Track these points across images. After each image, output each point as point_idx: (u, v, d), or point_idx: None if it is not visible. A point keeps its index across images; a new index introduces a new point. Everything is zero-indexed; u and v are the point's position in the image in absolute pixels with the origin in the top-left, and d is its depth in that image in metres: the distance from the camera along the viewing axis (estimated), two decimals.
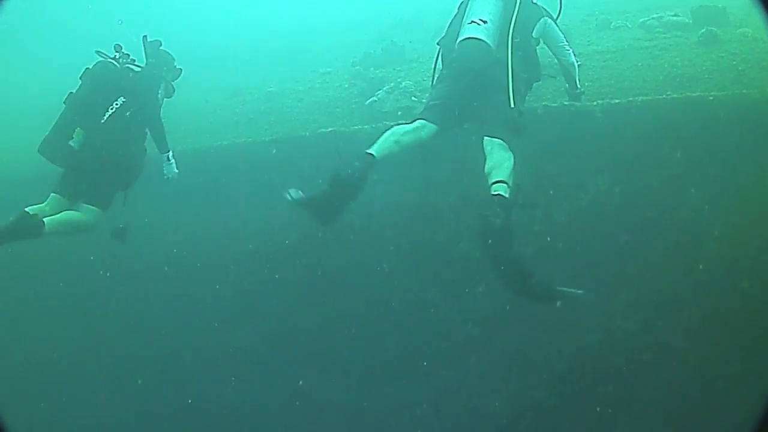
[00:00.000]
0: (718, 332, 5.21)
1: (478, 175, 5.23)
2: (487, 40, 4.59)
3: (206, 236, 6.55)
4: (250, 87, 9.26)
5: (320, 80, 9.08)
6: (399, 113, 6.67)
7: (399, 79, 7.38)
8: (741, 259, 5.20)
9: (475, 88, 4.75)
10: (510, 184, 4.29)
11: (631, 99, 5.57)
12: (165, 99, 6.00)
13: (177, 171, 5.86)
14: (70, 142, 5.21)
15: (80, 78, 5.54)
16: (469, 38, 4.61)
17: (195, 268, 6.58)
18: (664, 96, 5.56)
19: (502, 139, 4.50)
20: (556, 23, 5.27)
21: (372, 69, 8.43)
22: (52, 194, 5.32)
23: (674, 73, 6.29)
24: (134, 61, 5.84)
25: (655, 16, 8.10)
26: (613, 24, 8.57)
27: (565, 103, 5.70)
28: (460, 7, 5.20)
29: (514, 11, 4.76)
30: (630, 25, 8.41)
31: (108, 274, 6.55)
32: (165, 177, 5.82)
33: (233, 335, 6.57)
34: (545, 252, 5.53)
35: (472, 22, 4.64)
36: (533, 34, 5.04)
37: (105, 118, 5.33)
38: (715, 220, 5.17)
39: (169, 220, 6.52)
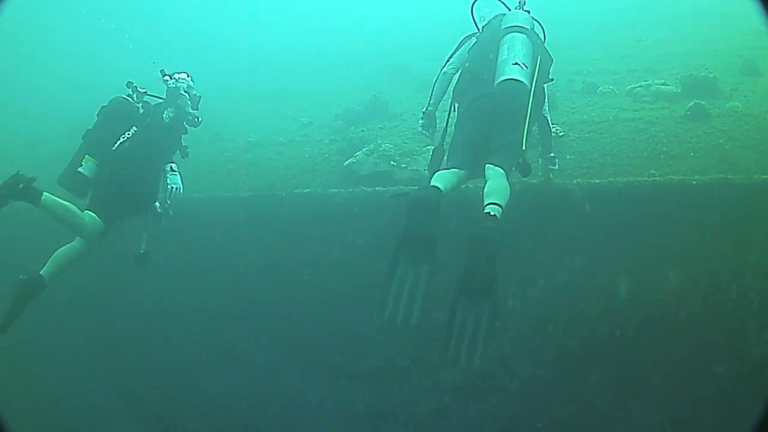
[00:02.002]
0: (690, 413, 5.18)
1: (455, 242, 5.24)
2: (527, 84, 4.68)
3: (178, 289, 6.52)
4: (231, 133, 9.12)
5: (302, 132, 8.95)
6: (377, 178, 6.50)
7: (379, 141, 7.21)
8: (716, 343, 5.13)
9: (495, 126, 4.82)
10: (503, 209, 4.30)
11: (612, 179, 5.42)
12: (189, 127, 6.24)
13: (181, 184, 5.93)
14: (79, 169, 5.47)
15: (96, 115, 5.84)
16: (514, 80, 4.64)
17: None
18: (646, 178, 5.42)
19: (503, 168, 4.60)
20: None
21: (353, 127, 8.27)
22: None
23: (659, 150, 6.14)
24: (146, 92, 6.08)
25: (643, 83, 7.94)
26: (600, 89, 8.38)
27: (541, 176, 5.54)
28: (478, 45, 5.28)
29: (538, 59, 4.87)
30: (617, 91, 8.24)
31: None
32: (168, 187, 5.85)
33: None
34: (516, 326, 5.55)
35: (516, 63, 4.68)
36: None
37: (116, 145, 5.57)
38: (691, 304, 5.11)
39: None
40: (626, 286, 5.31)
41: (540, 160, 5.57)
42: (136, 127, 5.72)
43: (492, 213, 4.21)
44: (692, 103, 6.77)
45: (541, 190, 5.45)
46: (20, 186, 4.88)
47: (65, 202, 5.18)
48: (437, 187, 4.42)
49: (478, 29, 5.55)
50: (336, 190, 6.17)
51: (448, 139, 5.25)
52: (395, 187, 5.94)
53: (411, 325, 4.27)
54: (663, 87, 7.64)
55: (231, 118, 10.36)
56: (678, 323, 5.19)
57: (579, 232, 5.35)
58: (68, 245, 5.36)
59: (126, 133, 5.65)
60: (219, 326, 6.57)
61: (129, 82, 6.05)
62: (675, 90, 7.60)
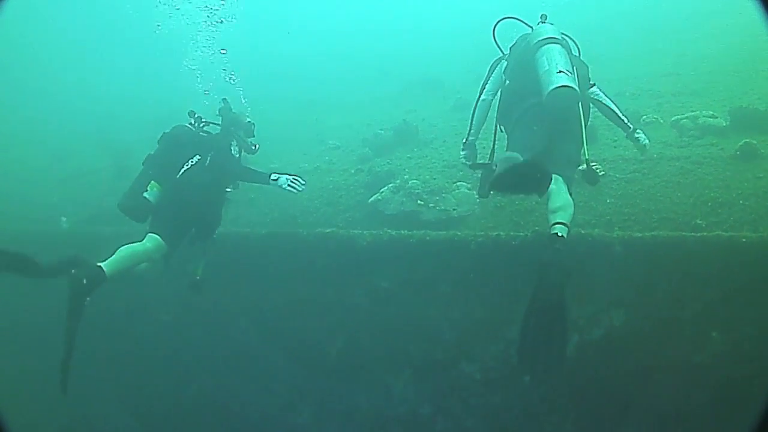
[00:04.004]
0: None
1: (482, 293, 5.27)
2: (577, 89, 4.70)
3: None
4: (255, 158, 8.81)
5: (327, 157, 8.67)
6: (403, 219, 6.21)
7: (406, 176, 6.87)
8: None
9: (553, 136, 4.87)
10: (569, 227, 4.40)
11: (654, 234, 5.02)
12: (246, 154, 6.31)
13: (287, 177, 5.89)
14: (145, 194, 5.53)
15: (158, 141, 5.93)
16: (565, 86, 4.63)
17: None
18: (693, 233, 5.00)
19: (564, 178, 4.66)
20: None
21: (380, 157, 7.94)
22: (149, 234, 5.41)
23: (706, 196, 5.71)
24: (208, 123, 6.19)
25: (690, 114, 7.44)
26: (643, 118, 7.92)
27: (583, 232, 5.17)
28: (514, 65, 5.31)
29: (575, 68, 4.90)
30: (662, 121, 7.78)
31: None
32: (288, 188, 5.86)
33: None
34: (547, 386, 5.39)
35: (561, 72, 4.68)
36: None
37: (181, 172, 5.65)
38: (734, 367, 4.79)
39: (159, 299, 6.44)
40: (667, 345, 5.02)
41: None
42: (200, 155, 5.77)
43: (560, 234, 4.27)
44: (742, 142, 6.28)
45: (579, 241, 5.08)
46: (84, 282, 4.63)
47: (121, 255, 5.02)
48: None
49: (503, 52, 5.61)
50: (359, 231, 5.90)
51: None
52: (422, 232, 5.60)
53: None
54: (711, 120, 7.14)
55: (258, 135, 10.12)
56: (719, 388, 4.90)
57: (618, 288, 5.07)
58: (136, 244, 5.24)
59: (190, 161, 5.73)
60: (240, 365, 6.48)
61: (191, 111, 6.16)
62: (723, 123, 7.11)
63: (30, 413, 6.39)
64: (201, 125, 6.15)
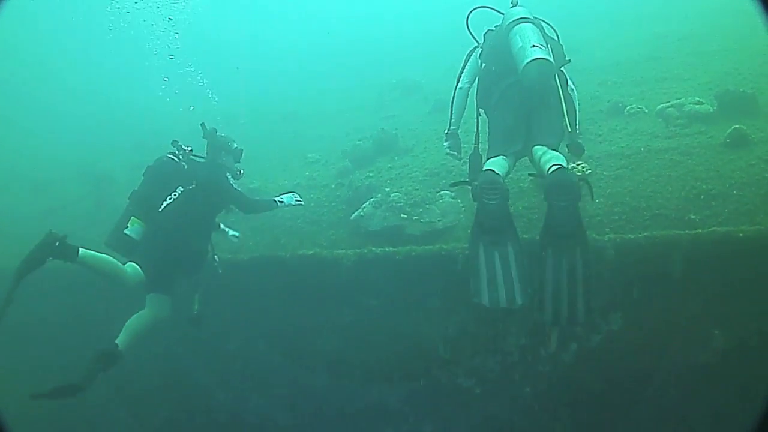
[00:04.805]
0: None
1: (474, 306, 4.91)
2: (552, 61, 4.72)
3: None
4: None
5: (307, 172, 8.45)
6: (387, 234, 6.02)
7: (387, 189, 6.66)
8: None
9: (533, 110, 4.92)
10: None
11: (648, 234, 4.82)
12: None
13: (291, 195, 6.23)
14: (126, 231, 5.46)
15: (143, 175, 5.82)
16: (540, 59, 4.65)
17: None
18: (686, 232, 4.79)
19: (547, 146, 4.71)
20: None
21: (360, 170, 7.72)
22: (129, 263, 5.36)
23: (698, 188, 5.49)
24: (193, 152, 6.04)
25: (675, 102, 7.22)
26: (627, 108, 7.70)
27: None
28: (489, 50, 5.33)
29: (549, 45, 4.93)
30: (647, 111, 7.55)
31: None
32: (296, 203, 6.24)
33: None
34: (548, 396, 5.21)
35: (535, 46, 4.71)
36: None
37: (163, 206, 5.54)
38: (740, 364, 4.63)
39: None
40: (668, 346, 4.85)
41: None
42: (182, 188, 5.68)
43: (560, 164, 4.28)
44: (731, 128, 6.08)
45: None
46: (56, 244, 4.78)
47: (103, 255, 5.10)
48: (494, 170, 4.45)
49: (477, 41, 5.60)
50: (343, 251, 5.73)
51: (482, 145, 5.31)
52: (407, 248, 5.41)
53: (517, 306, 4.33)
54: (697, 107, 6.92)
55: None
56: (725, 388, 4.73)
57: (613, 292, 4.87)
58: (138, 314, 5.35)
59: (172, 194, 5.63)
60: (231, 393, 6.34)
61: (174, 140, 6.02)
62: (710, 109, 6.90)
63: (31, 414, 6.19)
64: (185, 155, 5.99)
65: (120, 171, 10.37)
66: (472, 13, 5.57)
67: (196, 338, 6.07)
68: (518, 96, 4.95)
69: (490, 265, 4.34)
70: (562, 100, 4.79)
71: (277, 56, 17.20)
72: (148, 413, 6.62)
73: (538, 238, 4.40)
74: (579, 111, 5.35)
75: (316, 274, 5.72)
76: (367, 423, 5.90)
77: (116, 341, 5.07)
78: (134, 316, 5.32)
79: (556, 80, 4.86)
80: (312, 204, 7.24)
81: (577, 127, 5.18)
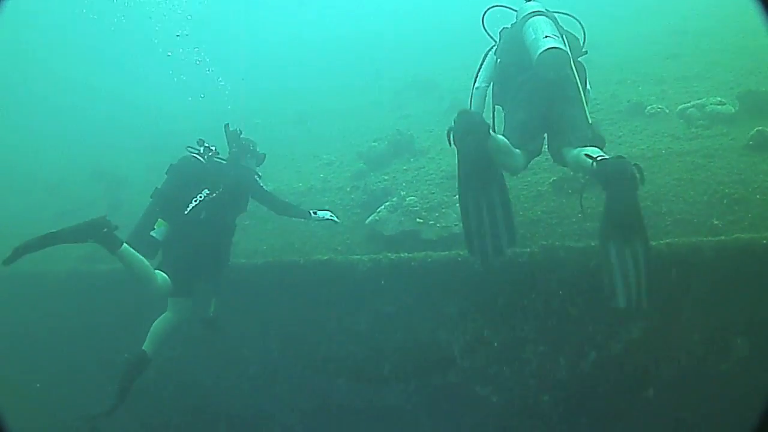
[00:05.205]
0: None
1: (491, 310, 5.09)
2: (566, 50, 4.68)
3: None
4: None
5: (322, 173, 8.40)
6: (403, 239, 5.95)
7: (403, 192, 6.57)
8: None
9: (552, 103, 4.82)
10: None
11: (670, 241, 4.70)
12: None
13: (330, 213, 6.22)
14: (152, 233, 5.40)
15: (165, 173, 5.75)
16: (553, 48, 4.62)
17: None
18: (708, 239, 4.67)
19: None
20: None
21: (375, 172, 7.66)
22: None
23: (720, 193, 5.36)
24: (218, 153, 5.99)
25: (696, 102, 7.09)
26: (648, 108, 7.56)
27: (593, 244, 4.86)
28: (504, 46, 5.28)
29: (563, 35, 4.87)
30: (668, 111, 7.41)
31: None
32: (330, 218, 6.20)
33: None
34: (568, 403, 5.12)
35: (548, 36, 4.68)
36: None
37: (189, 209, 5.45)
38: (762, 374, 4.51)
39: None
40: (689, 355, 4.76)
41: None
42: (208, 190, 5.59)
43: (602, 156, 4.15)
44: (754, 130, 5.94)
45: (591, 254, 4.78)
46: (104, 230, 4.75)
47: (141, 257, 5.05)
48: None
49: (493, 39, 5.54)
50: (358, 257, 5.66)
51: None
52: (423, 253, 5.33)
53: (504, 255, 4.22)
54: (719, 108, 6.78)
55: None
56: (748, 399, 4.42)
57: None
58: (162, 317, 5.42)
59: (198, 196, 5.54)
60: (244, 398, 6.28)
61: (200, 139, 5.98)
62: (732, 110, 6.76)
63: (32, 416, 6.30)
64: (210, 155, 5.94)
65: (134, 173, 10.35)
66: (488, 12, 5.53)
67: (208, 342, 6.04)
68: (535, 90, 4.86)
69: (478, 213, 4.11)
70: (581, 90, 4.74)
71: (291, 52, 17.10)
72: (151, 414, 6.61)
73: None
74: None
75: (331, 280, 5.65)
76: (382, 429, 5.84)
77: (143, 348, 5.15)
78: (158, 320, 5.37)
79: (573, 71, 4.79)
80: (326, 207, 7.16)
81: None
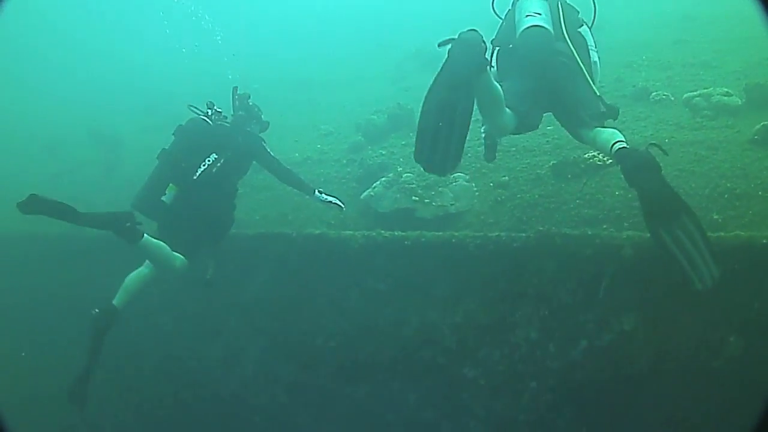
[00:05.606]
0: None
1: (483, 293, 5.05)
2: (546, 26, 4.64)
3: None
4: None
5: (319, 145, 8.29)
6: (397, 216, 5.86)
7: (400, 168, 6.48)
8: None
9: (550, 82, 4.73)
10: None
11: None
12: None
13: (336, 198, 6.00)
14: (163, 198, 5.34)
15: (173, 134, 5.70)
16: (532, 26, 4.62)
17: None
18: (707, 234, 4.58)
19: (596, 125, 4.53)
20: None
21: (373, 146, 7.54)
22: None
23: (722, 187, 5.28)
24: (226, 118, 5.96)
25: (702, 91, 6.97)
26: (653, 95, 7.45)
27: (590, 233, 4.80)
28: (499, 30, 5.27)
29: (559, 11, 4.85)
30: (673, 98, 7.31)
31: None
32: (334, 204, 5.96)
33: None
34: (554, 392, 5.11)
35: (528, 15, 4.67)
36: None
37: (197, 174, 5.41)
38: (753, 374, 4.47)
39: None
40: (680, 350, 4.71)
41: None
42: (216, 154, 5.54)
43: (623, 146, 4.17)
44: (760, 125, 5.83)
45: (587, 243, 4.74)
46: (126, 224, 4.74)
47: (160, 243, 5.04)
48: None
49: (501, 18, 5.46)
50: (351, 232, 5.57)
51: None
52: (417, 232, 5.25)
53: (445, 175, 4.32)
54: (725, 98, 6.68)
55: None
56: (737, 395, 4.57)
57: (628, 291, 4.73)
58: (137, 271, 5.24)
59: (207, 160, 5.50)
60: (232, 371, 6.24)
61: (210, 102, 5.91)
62: (738, 102, 6.66)
63: (30, 413, 6.19)
64: (218, 118, 5.89)
65: (130, 134, 10.23)
66: None
67: (196, 318, 6.06)
68: (525, 71, 4.76)
69: (433, 123, 3.94)
70: (580, 63, 4.62)
71: (293, 18, 16.84)
72: (144, 402, 6.62)
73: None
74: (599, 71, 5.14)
75: (323, 255, 5.59)
76: (368, 408, 5.84)
77: (113, 302, 5.00)
78: (132, 275, 5.23)
79: (567, 44, 4.68)
80: (322, 179, 7.09)
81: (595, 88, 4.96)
